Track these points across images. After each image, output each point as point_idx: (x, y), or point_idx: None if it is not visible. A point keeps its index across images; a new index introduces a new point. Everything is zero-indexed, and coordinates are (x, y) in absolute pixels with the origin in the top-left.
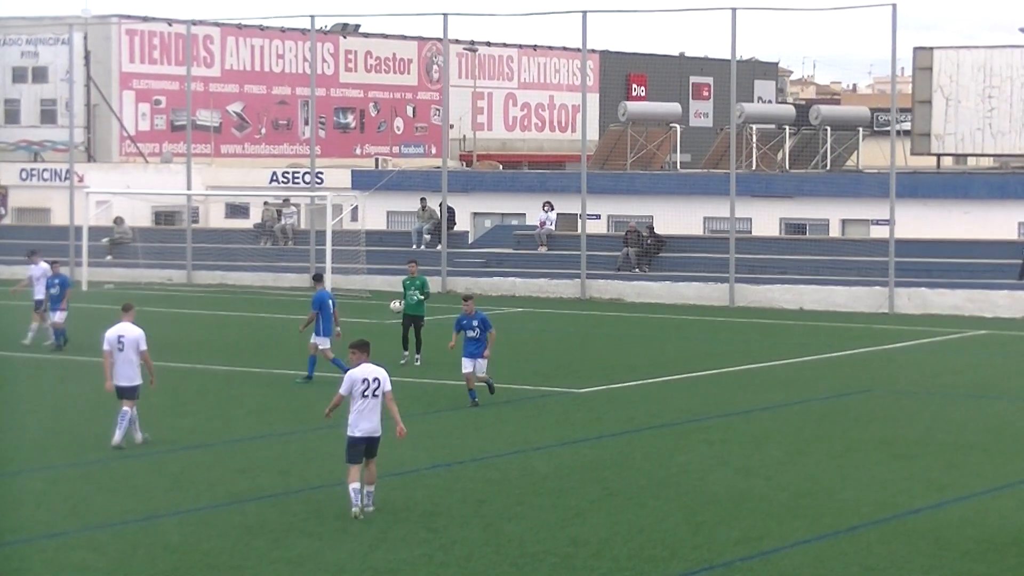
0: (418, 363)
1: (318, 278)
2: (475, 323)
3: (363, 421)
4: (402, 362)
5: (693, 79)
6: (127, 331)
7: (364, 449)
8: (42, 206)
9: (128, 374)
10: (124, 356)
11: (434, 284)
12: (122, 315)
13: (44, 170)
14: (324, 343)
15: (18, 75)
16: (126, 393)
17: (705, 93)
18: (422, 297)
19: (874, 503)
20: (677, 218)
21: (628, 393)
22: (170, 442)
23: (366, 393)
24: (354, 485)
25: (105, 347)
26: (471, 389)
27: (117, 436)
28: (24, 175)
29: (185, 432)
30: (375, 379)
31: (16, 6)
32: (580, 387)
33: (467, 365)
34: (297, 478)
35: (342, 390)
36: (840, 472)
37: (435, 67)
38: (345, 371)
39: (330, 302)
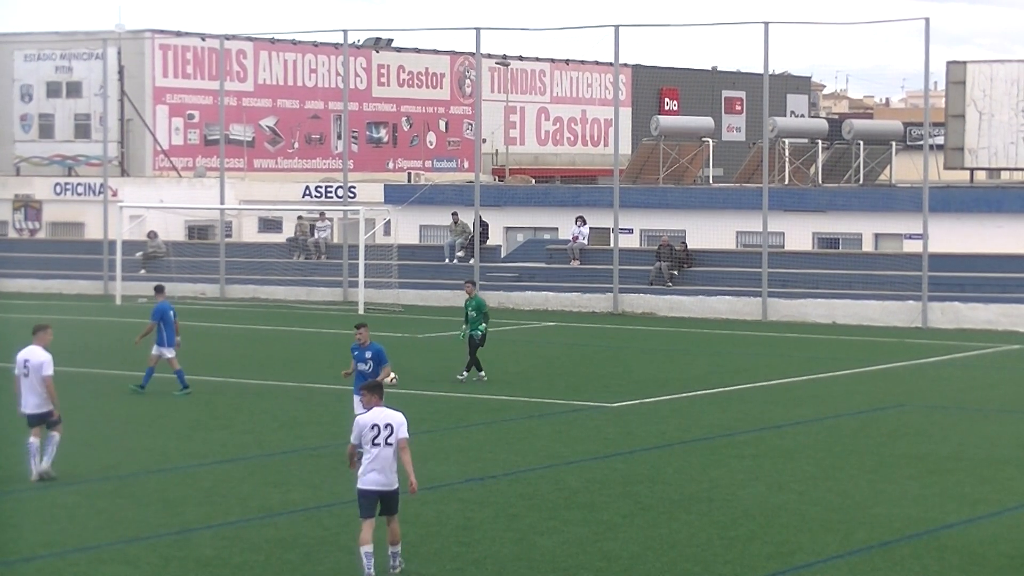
0: (484, 379)
1: (159, 289)
2: (368, 355)
3: (372, 472)
4: (459, 378)
5: (726, 93)
6: (32, 355)
7: (376, 503)
8: (76, 220)
9: (34, 401)
10: (28, 382)
11: None
12: (33, 337)
13: (78, 184)
14: (169, 353)
15: (52, 90)
16: (33, 421)
17: (738, 107)
18: (472, 315)
19: (907, 518)
20: (710, 232)
21: (660, 407)
22: (202, 456)
23: (377, 441)
24: (365, 548)
25: (15, 371)
26: None
27: (34, 469)
28: (58, 189)
29: (217, 446)
30: (386, 425)
31: (50, 21)
32: (612, 401)
33: (358, 406)
34: (329, 492)
35: (352, 438)
36: (872, 487)
37: (468, 81)
38: (185, 387)
39: (171, 313)
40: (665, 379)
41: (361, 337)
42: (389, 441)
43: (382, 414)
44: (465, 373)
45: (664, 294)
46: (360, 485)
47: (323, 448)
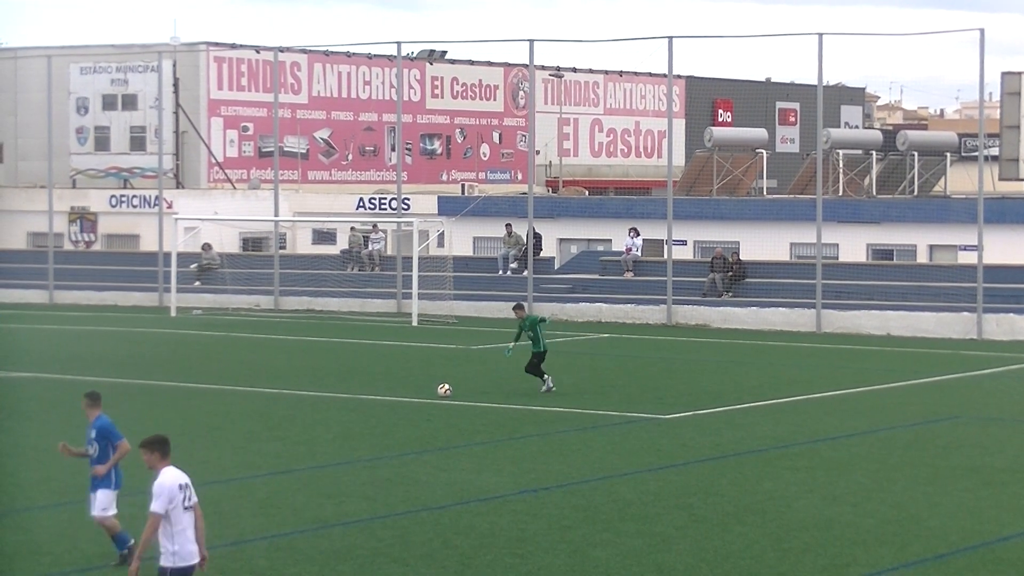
0: (552, 389)
1: None
2: (92, 434)
3: (189, 543)
4: (543, 390)
5: (779, 104)
6: None
7: None
8: (131, 232)
9: None
10: None
11: None
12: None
13: (133, 196)
14: None
15: (108, 102)
16: None
17: (791, 118)
18: (531, 335)
19: (962, 531)
20: (763, 244)
21: (714, 419)
22: (256, 467)
23: (187, 504)
24: None
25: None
26: (112, 535)
27: None
28: (114, 201)
29: (271, 457)
30: (187, 485)
31: (106, 34)
32: (666, 413)
33: (94, 505)
34: (383, 504)
35: (157, 507)
36: (927, 499)
37: (521, 93)
38: None
39: None
40: (719, 391)
41: (86, 408)
42: (191, 504)
43: (178, 473)
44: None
45: (718, 306)
46: (181, 563)
47: (377, 460)
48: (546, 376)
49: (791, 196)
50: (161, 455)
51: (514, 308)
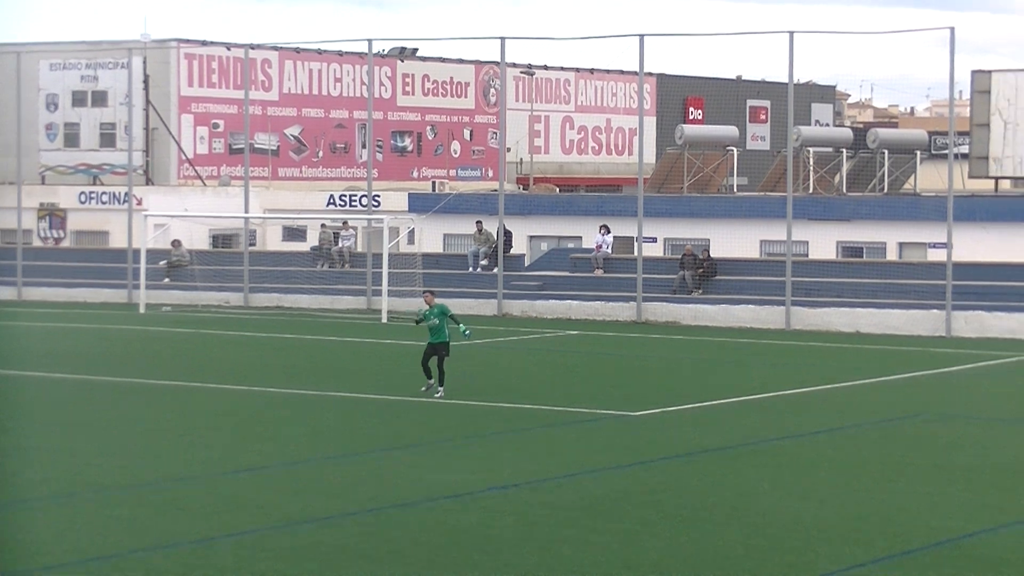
0: (439, 395)
1: None
2: None
3: None
4: (423, 388)
5: (750, 102)
6: None
7: None
8: (100, 229)
9: None
10: None
11: (490, 307)
12: None
13: (103, 193)
14: None
15: (78, 99)
16: None
17: (762, 116)
18: (436, 322)
19: (929, 527)
20: (733, 241)
21: (683, 416)
22: (224, 464)
23: None
24: None
25: None
26: None
27: None
28: (83, 198)
29: (239, 454)
30: None
31: (76, 31)
32: (635, 410)
33: None
34: (351, 501)
35: None
36: (894, 496)
37: (492, 90)
38: None
39: None
40: (688, 388)
41: None
42: None
43: None
44: (431, 382)
45: (687, 303)
46: None
47: (345, 457)
48: (440, 387)
49: (761, 193)
50: None
51: (424, 292)
